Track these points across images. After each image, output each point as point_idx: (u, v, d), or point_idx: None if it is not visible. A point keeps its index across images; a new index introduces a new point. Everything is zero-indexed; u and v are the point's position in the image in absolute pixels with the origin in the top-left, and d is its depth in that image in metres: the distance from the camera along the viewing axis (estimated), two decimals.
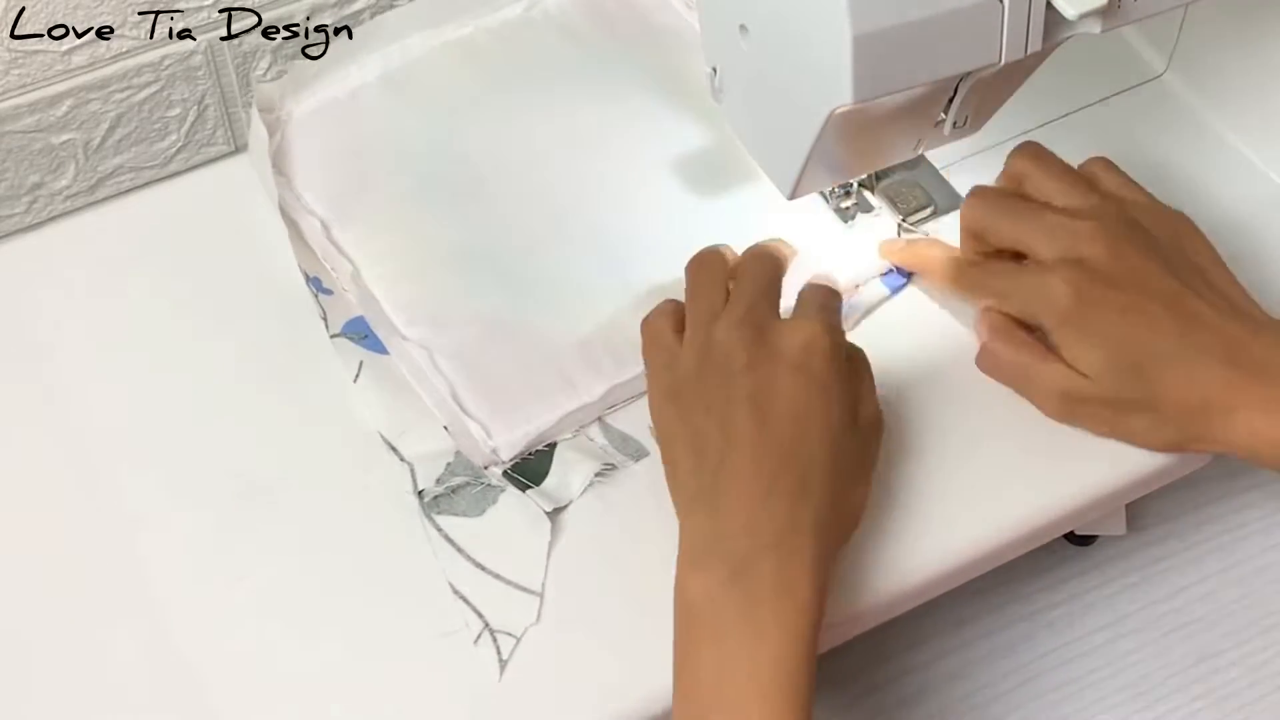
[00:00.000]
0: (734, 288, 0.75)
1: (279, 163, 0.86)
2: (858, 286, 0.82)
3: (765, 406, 0.69)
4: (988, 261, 0.77)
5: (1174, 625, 0.76)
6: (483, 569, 0.73)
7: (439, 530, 0.75)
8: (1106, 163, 0.80)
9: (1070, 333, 0.73)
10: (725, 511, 0.68)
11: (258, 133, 0.86)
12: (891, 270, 0.82)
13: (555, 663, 0.71)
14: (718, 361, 0.71)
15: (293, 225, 0.84)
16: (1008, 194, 0.78)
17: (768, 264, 0.76)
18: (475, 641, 0.72)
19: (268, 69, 0.88)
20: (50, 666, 0.73)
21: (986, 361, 0.77)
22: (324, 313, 0.81)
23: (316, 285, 0.82)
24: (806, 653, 0.65)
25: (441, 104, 0.89)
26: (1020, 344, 0.75)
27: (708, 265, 0.77)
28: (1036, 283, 0.74)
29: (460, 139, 0.87)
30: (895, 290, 0.82)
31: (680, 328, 0.74)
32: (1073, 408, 0.74)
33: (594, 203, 0.85)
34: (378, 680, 0.73)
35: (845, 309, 0.79)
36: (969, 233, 0.78)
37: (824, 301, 0.75)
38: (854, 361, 0.74)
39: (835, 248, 0.83)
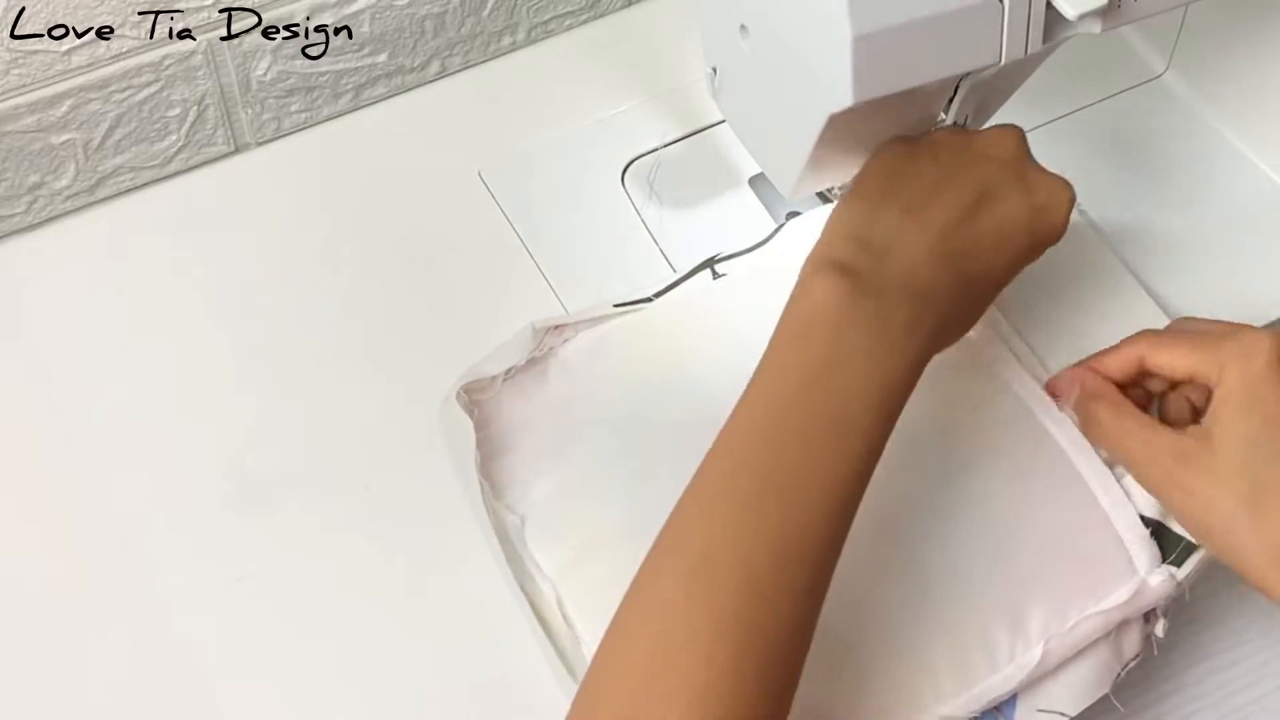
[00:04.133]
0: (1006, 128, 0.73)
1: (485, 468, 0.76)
2: None
3: (981, 207, 0.69)
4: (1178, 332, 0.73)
5: (1174, 625, 0.76)
6: None
7: None
8: None
9: (1244, 388, 0.69)
10: (895, 248, 0.67)
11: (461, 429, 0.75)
12: None
13: None
14: (979, 138, 0.71)
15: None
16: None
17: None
18: None
19: (268, 69, 0.88)
20: (50, 665, 0.73)
21: (1092, 431, 0.74)
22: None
23: None
24: (907, 390, 0.66)
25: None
26: (1125, 409, 0.72)
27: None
28: (1238, 336, 0.70)
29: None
30: None
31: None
32: (1180, 476, 0.70)
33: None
34: (377, 679, 0.73)
35: None
36: (1130, 360, 0.73)
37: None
38: None
39: None
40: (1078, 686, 0.71)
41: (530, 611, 0.71)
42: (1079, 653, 0.71)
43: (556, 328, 0.78)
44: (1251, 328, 0.71)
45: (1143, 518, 0.73)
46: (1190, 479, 0.69)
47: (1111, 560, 0.72)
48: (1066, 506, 0.73)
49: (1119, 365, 0.73)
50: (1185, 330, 0.73)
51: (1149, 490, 0.72)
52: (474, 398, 0.76)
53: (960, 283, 0.68)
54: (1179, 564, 0.73)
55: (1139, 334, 0.74)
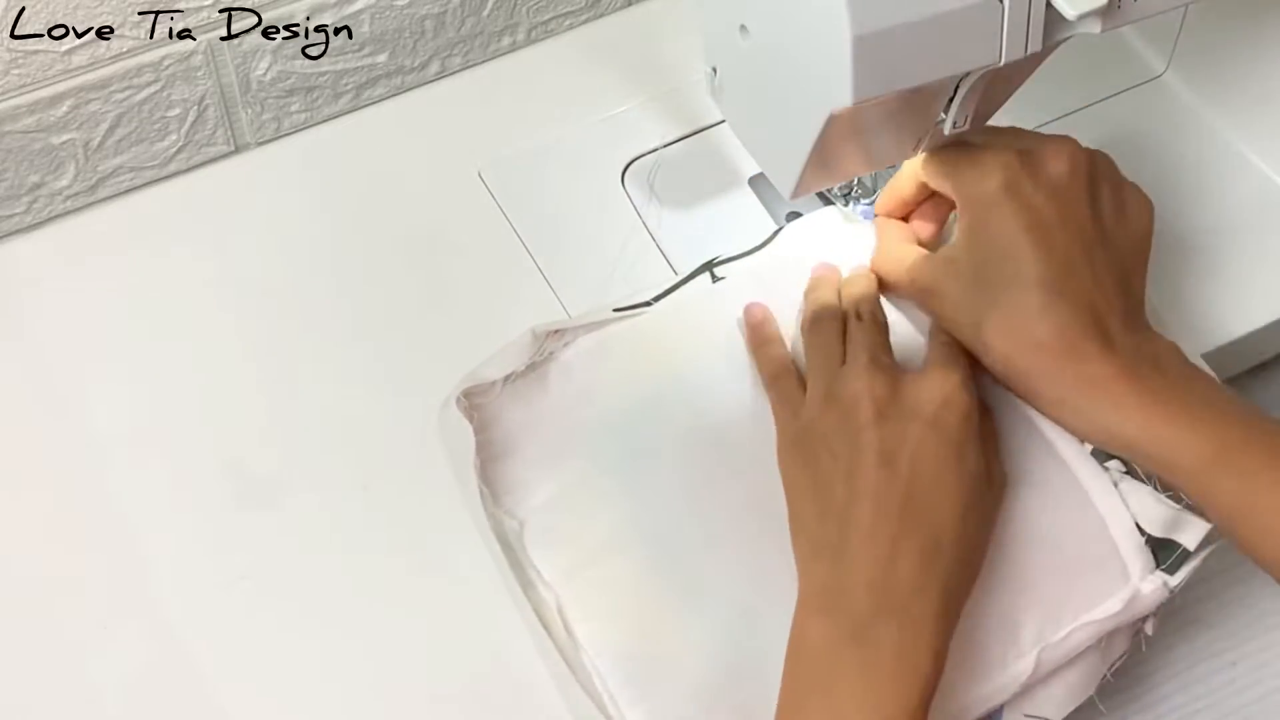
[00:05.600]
0: (853, 333, 0.73)
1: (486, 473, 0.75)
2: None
3: (893, 461, 0.67)
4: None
5: (1174, 625, 0.76)
6: None
7: None
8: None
9: (973, 211, 0.71)
10: (849, 566, 0.66)
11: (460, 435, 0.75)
12: None
13: None
14: (845, 410, 0.69)
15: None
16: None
17: (876, 304, 0.75)
18: None
19: (268, 69, 0.88)
20: (51, 664, 0.73)
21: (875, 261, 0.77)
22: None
23: None
24: (930, 691, 0.64)
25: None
26: (897, 230, 0.76)
27: (825, 317, 0.75)
28: (977, 157, 0.72)
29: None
30: None
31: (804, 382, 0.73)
32: (927, 303, 0.74)
33: None
34: (377, 679, 0.73)
35: None
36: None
37: (955, 354, 0.73)
38: (984, 420, 0.72)
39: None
40: (1065, 692, 0.71)
41: (535, 619, 0.71)
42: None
43: (556, 332, 0.78)
44: (997, 149, 0.71)
45: (1139, 528, 0.73)
46: (934, 304, 0.73)
47: (1105, 568, 0.72)
48: (1063, 515, 0.72)
49: (910, 187, 0.76)
50: (958, 145, 0.74)
51: (911, 297, 0.76)
52: (473, 402, 0.76)
53: (931, 560, 0.66)
54: (1172, 571, 0.72)
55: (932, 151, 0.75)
